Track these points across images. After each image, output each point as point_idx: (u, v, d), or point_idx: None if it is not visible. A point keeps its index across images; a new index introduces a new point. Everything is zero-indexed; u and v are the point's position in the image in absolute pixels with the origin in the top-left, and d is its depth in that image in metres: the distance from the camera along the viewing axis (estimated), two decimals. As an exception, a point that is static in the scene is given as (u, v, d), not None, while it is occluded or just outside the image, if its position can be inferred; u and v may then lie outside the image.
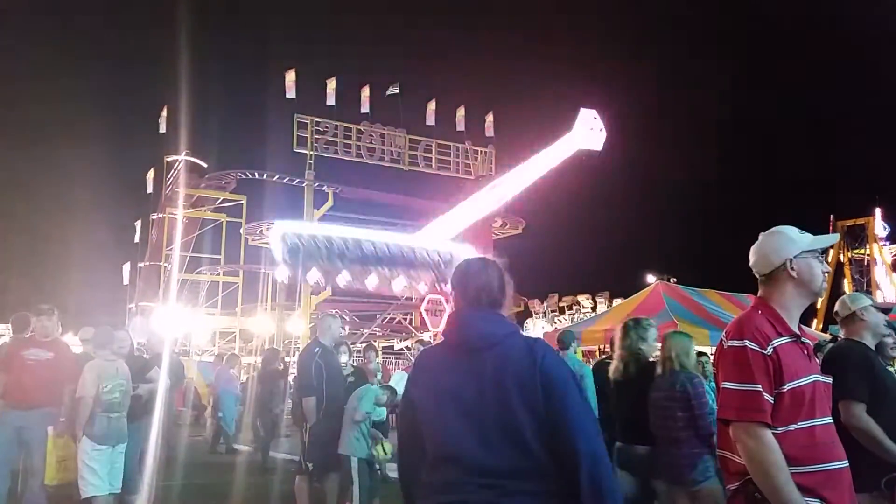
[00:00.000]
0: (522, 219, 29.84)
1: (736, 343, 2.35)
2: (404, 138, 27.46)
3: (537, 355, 2.16)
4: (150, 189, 30.97)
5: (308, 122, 25.67)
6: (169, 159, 29.74)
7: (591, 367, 7.99)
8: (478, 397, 2.15)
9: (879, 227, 40.62)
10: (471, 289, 2.30)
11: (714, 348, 2.69)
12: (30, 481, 5.80)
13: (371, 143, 26.82)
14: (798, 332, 2.41)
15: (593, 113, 27.00)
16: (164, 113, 29.12)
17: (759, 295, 2.52)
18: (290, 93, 26.30)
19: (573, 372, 2.26)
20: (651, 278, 19.53)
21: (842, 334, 3.84)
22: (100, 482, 5.41)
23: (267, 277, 27.53)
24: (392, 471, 7.12)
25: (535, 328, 31.36)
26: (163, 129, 29.20)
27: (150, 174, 31.05)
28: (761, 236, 2.55)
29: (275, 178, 26.64)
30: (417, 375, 2.40)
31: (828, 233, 2.72)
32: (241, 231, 28.84)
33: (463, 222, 25.01)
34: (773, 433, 2.22)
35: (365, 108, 27.49)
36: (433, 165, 27.97)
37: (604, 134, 26.95)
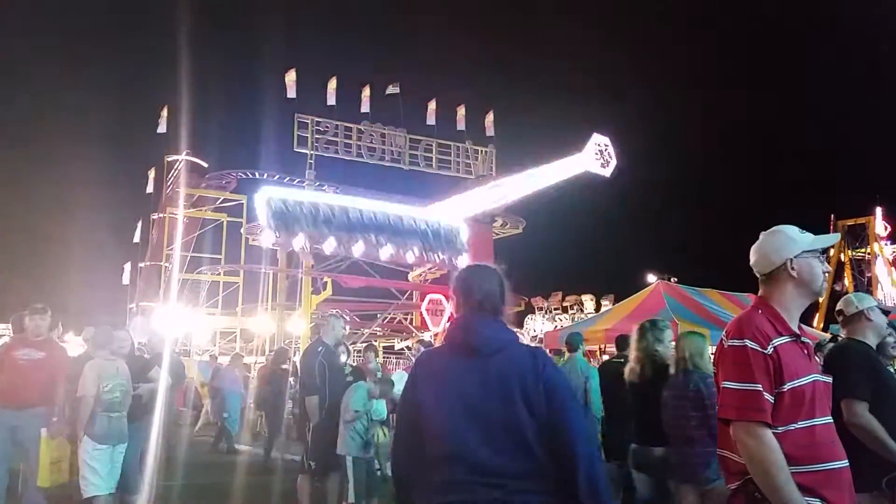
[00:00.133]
0: (523, 218, 29.83)
1: (736, 342, 2.35)
2: (405, 138, 27.43)
3: (539, 364, 2.29)
4: (150, 189, 30.99)
5: (308, 121, 25.65)
6: (169, 159, 29.72)
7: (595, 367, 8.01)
8: (483, 399, 2.23)
9: (880, 226, 40.62)
10: (475, 295, 2.39)
11: (714, 348, 2.70)
12: (30, 481, 5.80)
13: (371, 142, 26.80)
14: (798, 331, 2.41)
15: (605, 140, 27.18)
16: (165, 112, 29.12)
17: (759, 294, 2.52)
18: (291, 92, 26.30)
19: (568, 381, 2.42)
20: (651, 278, 19.52)
21: (843, 333, 3.85)
22: (101, 482, 5.40)
23: (267, 277, 27.51)
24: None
25: (536, 324, 31.34)
26: (163, 128, 29.19)
27: (151, 174, 31.06)
28: (762, 236, 2.55)
29: (275, 178, 26.63)
30: (421, 376, 2.42)
31: (828, 232, 2.72)
32: (242, 231, 28.82)
33: (463, 211, 24.94)
34: (774, 433, 2.22)
35: (365, 108, 27.48)
36: (434, 165, 27.95)
37: (614, 162, 27.13)
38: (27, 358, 5.85)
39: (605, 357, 14.99)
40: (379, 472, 6.69)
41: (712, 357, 2.79)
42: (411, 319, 28.30)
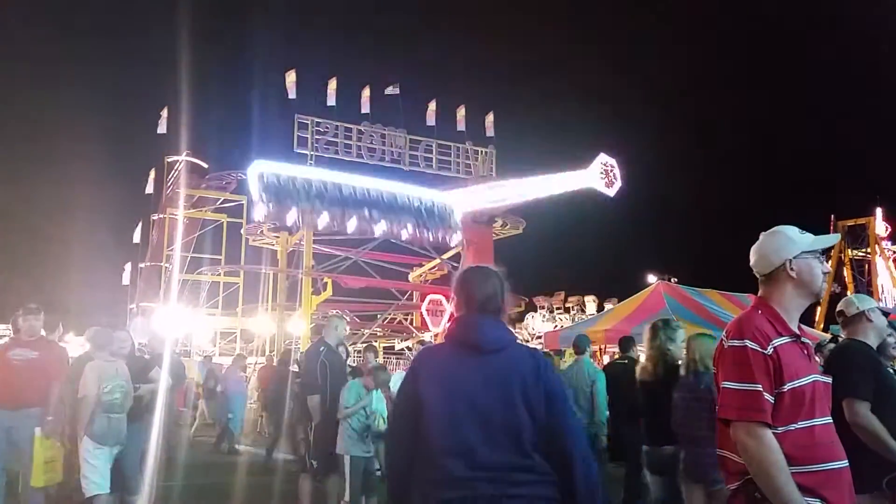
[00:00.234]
0: (523, 219, 29.82)
1: (736, 343, 2.35)
2: (405, 139, 27.42)
3: (540, 368, 2.39)
4: (150, 189, 30.97)
5: (308, 122, 25.64)
6: (169, 160, 29.73)
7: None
8: (484, 398, 2.30)
9: (880, 227, 40.58)
10: (477, 296, 2.46)
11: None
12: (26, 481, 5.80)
13: (371, 143, 26.78)
14: (798, 331, 2.41)
15: (612, 161, 27.38)
16: (165, 113, 29.11)
17: (759, 295, 2.52)
18: (291, 93, 26.29)
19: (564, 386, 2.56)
20: (652, 278, 19.51)
21: (844, 334, 3.86)
22: (102, 480, 5.42)
23: (268, 278, 27.51)
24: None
25: (536, 323, 31.31)
26: (163, 129, 29.19)
27: (151, 174, 31.06)
28: (762, 236, 2.55)
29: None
30: (423, 371, 2.45)
31: (829, 233, 2.72)
32: (242, 231, 28.82)
33: (462, 205, 24.90)
34: (774, 433, 2.23)
35: (365, 109, 27.45)
36: (434, 166, 27.91)
37: (618, 184, 27.22)
38: (21, 358, 5.86)
39: (606, 357, 15.02)
40: (379, 472, 6.68)
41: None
42: (411, 320, 28.29)
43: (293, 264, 25.83)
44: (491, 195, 25.99)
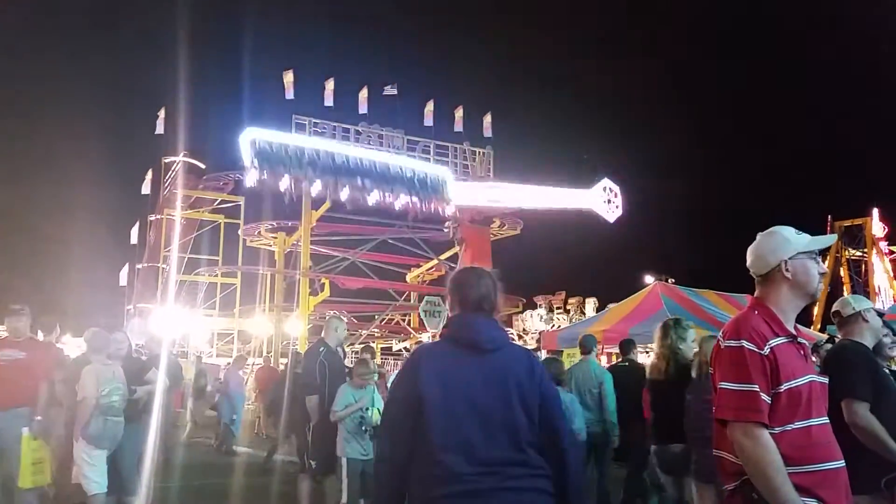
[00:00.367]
0: (520, 219, 29.85)
1: (733, 343, 2.35)
2: (402, 139, 27.42)
3: (535, 369, 2.50)
4: (147, 190, 30.94)
5: (306, 122, 25.60)
6: (167, 160, 29.71)
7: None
8: (485, 397, 2.36)
9: (877, 227, 40.66)
10: (471, 296, 2.53)
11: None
12: (15, 482, 5.78)
13: (369, 143, 26.83)
14: (794, 332, 2.42)
15: (616, 188, 27.56)
16: (162, 114, 29.08)
17: (755, 295, 2.52)
18: (289, 94, 26.29)
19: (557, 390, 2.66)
20: (649, 278, 19.52)
21: (840, 334, 3.86)
22: (103, 479, 5.44)
23: (265, 278, 27.53)
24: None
25: (533, 321, 31.33)
26: (161, 130, 29.16)
27: (148, 175, 31.02)
28: (758, 237, 2.55)
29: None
30: (424, 368, 2.46)
31: (826, 233, 2.72)
32: (240, 232, 28.81)
33: (459, 198, 24.89)
34: (770, 433, 2.23)
35: (363, 109, 27.45)
36: (431, 166, 27.93)
37: (620, 211, 27.27)
38: (7, 358, 5.86)
39: (604, 358, 15.01)
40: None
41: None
42: (409, 321, 28.31)
43: (290, 265, 25.86)
44: (490, 194, 26.00)
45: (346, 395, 6.03)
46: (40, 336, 6.88)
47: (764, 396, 2.25)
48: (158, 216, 29.63)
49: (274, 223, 27.95)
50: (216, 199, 29.90)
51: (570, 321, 29.17)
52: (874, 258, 40.23)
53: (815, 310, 29.05)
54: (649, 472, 6.58)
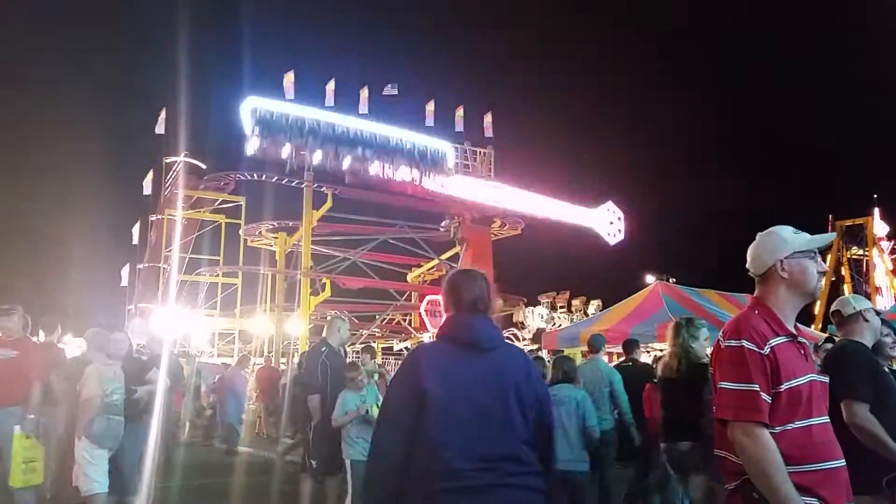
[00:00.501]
0: (521, 219, 29.84)
1: (733, 343, 2.35)
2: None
3: (531, 369, 2.59)
4: (148, 190, 30.90)
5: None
6: (168, 161, 29.65)
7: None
8: (485, 396, 2.42)
9: (879, 226, 40.65)
10: (466, 297, 2.60)
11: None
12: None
13: (369, 143, 26.83)
14: (794, 331, 2.42)
15: (620, 213, 27.63)
16: (163, 114, 29.04)
17: (755, 295, 2.52)
18: (290, 94, 26.28)
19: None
20: (650, 278, 19.51)
21: (840, 334, 3.86)
22: (103, 479, 5.44)
23: (266, 278, 27.51)
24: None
25: (534, 318, 31.28)
26: (161, 129, 29.13)
27: (149, 175, 30.99)
28: (758, 236, 2.56)
29: (273, 179, 26.60)
30: (426, 366, 2.48)
31: (827, 233, 2.72)
32: (241, 232, 28.78)
33: (460, 191, 24.90)
34: (771, 433, 2.23)
35: (364, 109, 27.44)
36: (432, 166, 27.93)
37: (621, 237, 27.28)
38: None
39: (605, 357, 14.97)
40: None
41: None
42: (410, 321, 28.30)
43: (291, 265, 25.85)
44: (493, 195, 25.97)
45: (347, 400, 6.03)
46: (42, 336, 6.90)
47: (764, 396, 2.25)
48: (159, 216, 29.59)
49: (275, 223, 27.93)
50: (217, 200, 29.84)
51: (572, 321, 29.15)
52: (875, 257, 40.22)
53: (817, 308, 29.03)
54: (654, 472, 6.58)
